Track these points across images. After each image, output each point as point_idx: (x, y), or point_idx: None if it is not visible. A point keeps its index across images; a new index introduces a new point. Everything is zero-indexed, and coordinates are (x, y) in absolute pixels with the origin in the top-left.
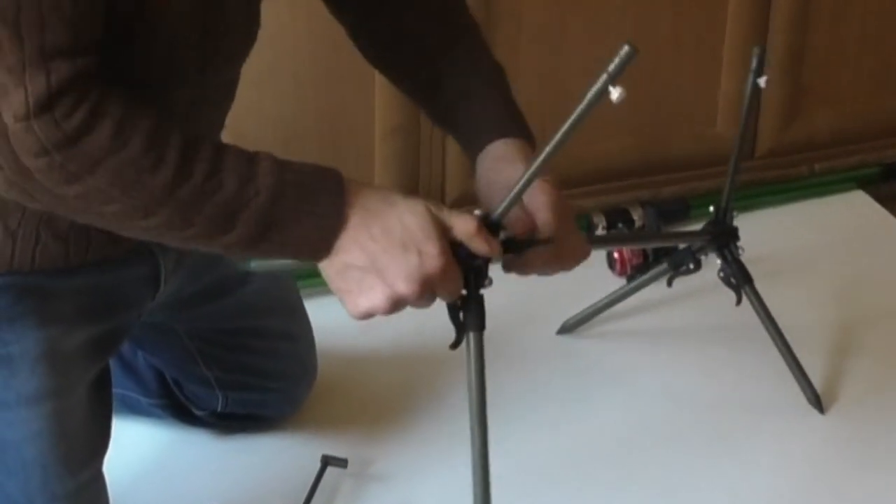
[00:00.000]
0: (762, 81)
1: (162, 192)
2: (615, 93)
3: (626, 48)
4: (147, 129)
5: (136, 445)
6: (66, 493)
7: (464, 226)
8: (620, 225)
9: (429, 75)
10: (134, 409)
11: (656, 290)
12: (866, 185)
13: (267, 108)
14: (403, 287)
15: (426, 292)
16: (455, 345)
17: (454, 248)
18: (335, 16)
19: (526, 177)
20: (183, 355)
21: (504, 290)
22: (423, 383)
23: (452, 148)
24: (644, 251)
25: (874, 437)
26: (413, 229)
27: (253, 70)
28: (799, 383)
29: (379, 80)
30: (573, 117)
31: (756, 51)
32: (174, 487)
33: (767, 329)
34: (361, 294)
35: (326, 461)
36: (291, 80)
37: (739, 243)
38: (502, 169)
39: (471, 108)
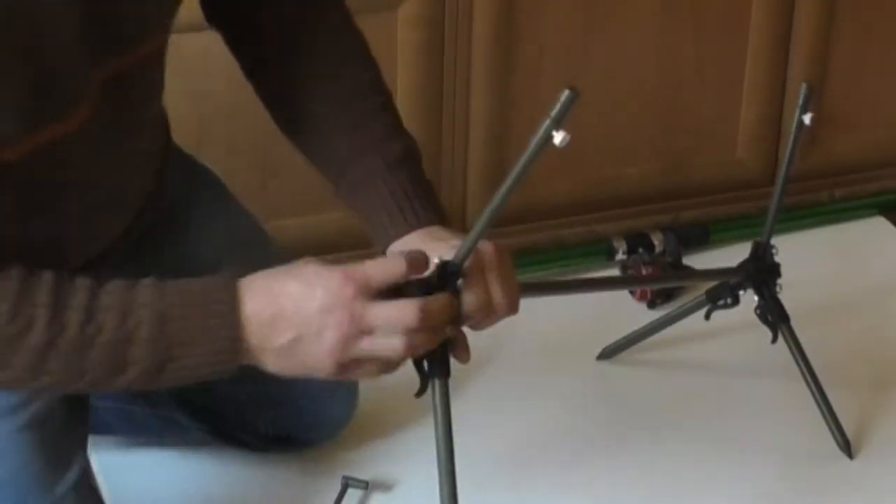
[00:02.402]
0: (807, 118)
1: (40, 352)
2: (558, 137)
3: (566, 92)
4: (7, 296)
5: (155, 466)
6: None
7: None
8: (640, 250)
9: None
10: (177, 432)
11: (691, 320)
12: (887, 210)
13: None
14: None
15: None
16: (420, 393)
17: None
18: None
19: (481, 223)
20: None
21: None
22: None
23: (474, 168)
24: None
25: None
26: (301, 271)
27: None
28: (829, 427)
29: (399, 100)
30: (520, 164)
31: (804, 87)
32: None
33: (801, 369)
34: (316, 339)
35: (347, 483)
36: None
37: (779, 280)
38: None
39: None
